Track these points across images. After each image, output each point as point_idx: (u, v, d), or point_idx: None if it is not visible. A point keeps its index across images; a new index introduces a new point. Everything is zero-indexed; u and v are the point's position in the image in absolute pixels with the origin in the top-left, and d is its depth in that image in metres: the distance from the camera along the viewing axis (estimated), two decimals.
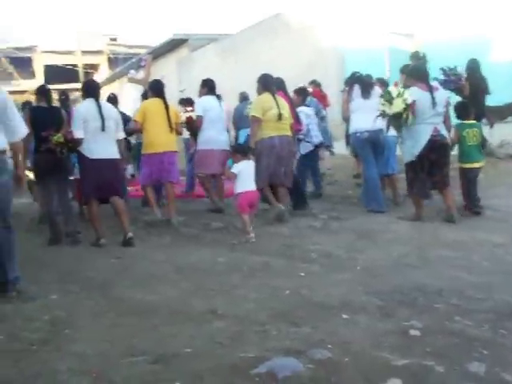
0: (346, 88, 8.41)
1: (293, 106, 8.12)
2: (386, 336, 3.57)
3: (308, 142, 8.95)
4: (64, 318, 4.07)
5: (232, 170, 6.90)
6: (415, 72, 7.37)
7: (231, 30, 22.06)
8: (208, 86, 8.55)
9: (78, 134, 6.41)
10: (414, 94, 6.82)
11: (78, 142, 6.44)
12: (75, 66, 35.76)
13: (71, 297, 4.59)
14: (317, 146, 9.21)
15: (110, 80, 31.89)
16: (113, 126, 6.60)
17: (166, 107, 7.54)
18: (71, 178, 7.46)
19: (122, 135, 6.87)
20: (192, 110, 8.86)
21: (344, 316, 3.98)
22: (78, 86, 33.43)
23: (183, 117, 8.61)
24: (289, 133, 7.60)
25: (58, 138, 6.55)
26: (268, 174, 7.42)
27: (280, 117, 7.36)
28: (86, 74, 36.13)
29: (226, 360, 3.23)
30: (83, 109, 6.58)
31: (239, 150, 7.08)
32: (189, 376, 3.04)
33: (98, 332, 3.78)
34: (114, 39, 41.13)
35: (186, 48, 23.10)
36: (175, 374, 3.07)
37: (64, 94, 8.94)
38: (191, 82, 20.64)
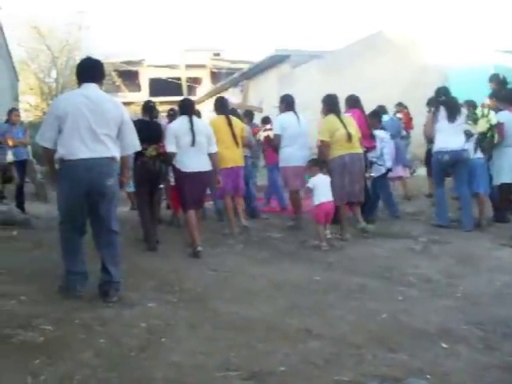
0: (432, 109, 8.47)
1: (368, 123, 8.44)
2: (489, 370, 3.42)
3: (380, 165, 8.94)
4: (161, 326, 4.14)
5: (308, 185, 7.28)
6: (509, 96, 7.61)
7: (333, 47, 22.00)
8: (286, 102, 8.56)
9: (170, 148, 6.78)
10: (503, 116, 6.73)
11: (170, 155, 6.81)
12: (179, 79, 36.77)
13: (168, 306, 4.66)
14: (389, 170, 9.20)
15: (212, 94, 32.51)
16: (204, 140, 6.88)
17: (230, 123, 7.79)
18: (164, 185, 8.16)
19: (214, 149, 7.07)
20: (270, 129, 9.01)
21: (443, 345, 3.85)
22: (181, 98, 34.56)
23: (261, 136, 9.08)
24: (359, 150, 7.77)
25: (152, 151, 7.09)
26: (345, 193, 7.60)
27: (349, 136, 7.55)
28: (189, 87, 37.12)
29: (320, 382, 3.21)
30: (176, 125, 6.99)
31: (316, 164, 7.44)
32: None
33: (194, 343, 3.81)
34: (218, 54, 41.93)
35: (288, 64, 23.20)
36: None
37: (172, 110, 9.26)
38: None
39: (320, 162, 7.59)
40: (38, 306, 4.59)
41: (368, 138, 8.35)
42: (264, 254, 6.76)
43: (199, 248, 6.64)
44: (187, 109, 7.07)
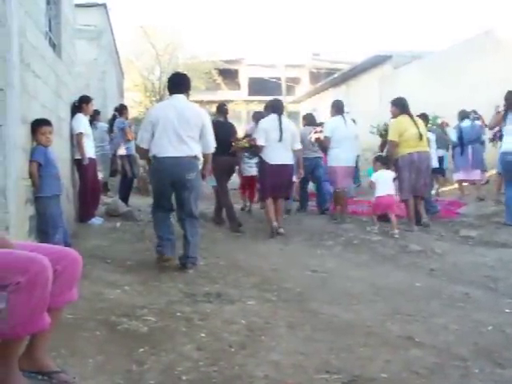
0: (502, 109, 9.10)
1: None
2: None
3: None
4: (261, 324, 4.14)
5: (371, 179, 8.39)
6: None
7: (436, 48, 21.40)
8: (336, 107, 9.24)
9: (259, 141, 7.83)
10: None
11: (259, 148, 7.83)
12: (278, 79, 36.94)
13: (268, 305, 4.66)
14: (433, 171, 9.68)
15: (311, 94, 32.47)
16: (289, 137, 7.80)
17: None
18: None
19: (298, 146, 8.03)
20: (321, 131, 9.51)
21: None
22: (281, 98, 34.69)
23: (313, 137, 9.64)
24: (426, 148, 8.47)
25: (243, 143, 8.43)
26: (410, 187, 8.22)
27: (420, 135, 8.23)
28: (288, 87, 37.21)
29: None
30: (266, 122, 7.94)
31: (379, 160, 8.43)
32: None
33: (293, 343, 3.79)
34: (317, 54, 41.77)
35: (389, 65, 22.81)
36: None
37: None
38: (392, 98, 20.34)
39: (383, 158, 8.44)
40: (141, 296, 4.72)
41: None
42: (363, 257, 6.66)
43: (281, 230, 7.52)
44: (277, 108, 8.02)
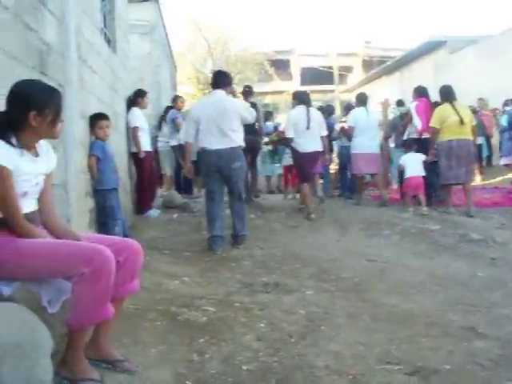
0: None
1: (433, 112, 8.77)
2: None
3: None
4: (320, 314, 4.12)
5: (399, 162, 9.00)
6: None
7: (492, 31, 20.80)
8: (360, 99, 9.97)
9: (288, 134, 8.29)
10: None
11: (289, 140, 8.30)
12: (330, 68, 36.61)
13: (326, 295, 4.64)
14: None
15: (364, 82, 32.07)
16: (316, 126, 8.21)
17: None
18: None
19: (324, 133, 8.47)
20: (345, 121, 10.33)
21: None
22: (333, 87, 34.41)
23: (338, 127, 10.40)
24: (468, 136, 8.48)
25: (273, 136, 9.57)
26: (452, 174, 8.41)
27: (461, 122, 8.35)
28: (340, 76, 36.84)
29: None
30: (295, 114, 8.32)
31: (405, 144, 9.11)
32: None
33: (353, 333, 3.76)
34: (369, 42, 41.15)
35: (444, 50, 22.28)
36: None
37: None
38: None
39: (409, 142, 9.02)
40: (199, 287, 4.77)
41: None
42: (422, 246, 6.54)
43: (312, 216, 7.96)
44: (304, 100, 8.41)
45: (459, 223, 7.56)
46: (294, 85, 37.19)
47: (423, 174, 8.64)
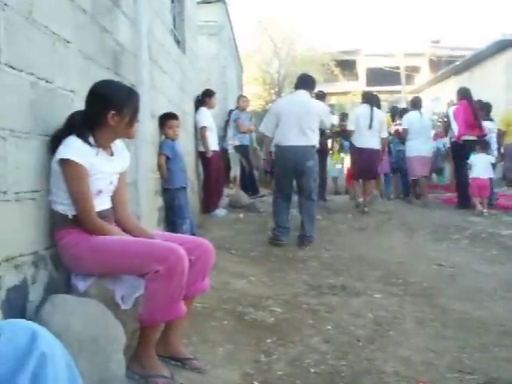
0: None
1: (475, 114, 8.99)
2: None
3: (488, 154, 9.26)
4: (388, 319, 4.06)
5: (468, 161, 8.80)
6: None
7: None
8: (413, 103, 10.20)
9: (350, 127, 8.96)
10: None
11: (349, 133, 8.95)
12: (397, 68, 36.06)
13: (394, 299, 4.56)
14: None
15: (432, 83, 31.48)
16: (377, 126, 8.60)
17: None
18: None
19: (385, 134, 8.88)
20: (400, 124, 10.41)
21: None
22: (400, 88, 33.88)
23: (392, 129, 10.52)
24: None
25: (336, 128, 10.27)
26: None
27: None
28: (407, 76, 36.26)
29: None
30: (358, 111, 8.97)
31: (478, 144, 8.85)
32: None
33: (422, 340, 3.68)
34: (437, 41, 40.33)
35: None
36: None
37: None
38: None
39: (484, 142, 8.93)
40: (266, 287, 4.77)
41: (475, 128, 8.97)
42: (492, 252, 6.34)
43: (366, 209, 8.40)
44: (370, 100, 8.91)
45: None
46: (360, 85, 36.86)
47: (491, 176, 8.79)
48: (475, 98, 9.71)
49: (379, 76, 37.00)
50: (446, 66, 29.78)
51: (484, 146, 8.86)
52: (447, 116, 9.59)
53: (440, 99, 22.86)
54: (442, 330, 3.86)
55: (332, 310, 4.18)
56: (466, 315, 4.19)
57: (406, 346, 3.56)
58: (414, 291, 4.79)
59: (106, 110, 2.64)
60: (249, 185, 10.68)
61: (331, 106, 30.13)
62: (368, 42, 39.70)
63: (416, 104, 10.08)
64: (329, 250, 6.22)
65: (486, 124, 9.57)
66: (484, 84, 22.83)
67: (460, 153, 9.03)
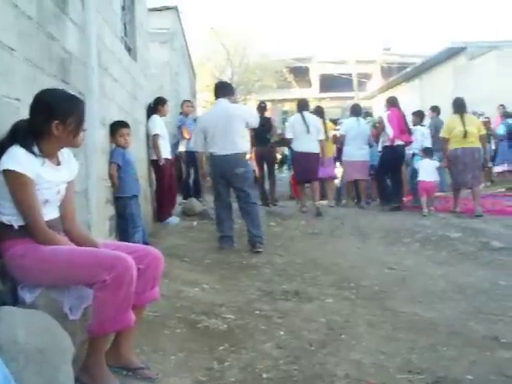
0: None
1: (404, 120, 9.83)
2: None
3: (432, 159, 9.82)
4: (340, 323, 4.10)
5: (414, 166, 9.86)
6: None
7: None
8: (352, 110, 10.99)
9: (288, 135, 9.54)
10: None
11: (289, 140, 9.56)
12: (349, 75, 36.52)
13: (347, 303, 4.61)
14: None
15: (383, 89, 31.97)
16: (314, 130, 9.25)
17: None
18: None
19: (321, 136, 9.43)
20: (338, 129, 11.23)
21: None
22: (352, 94, 34.30)
23: (331, 134, 10.78)
24: (472, 145, 9.07)
25: (275, 138, 10.61)
26: (459, 179, 9.18)
27: (465, 133, 8.99)
28: (359, 82, 36.75)
29: None
30: (292, 119, 9.77)
31: (423, 152, 9.64)
32: None
33: (374, 342, 3.73)
34: (388, 49, 41.00)
35: (464, 56, 22.14)
36: None
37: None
38: (468, 91, 19.72)
39: (428, 150, 9.66)
40: (219, 294, 4.76)
41: (406, 133, 9.71)
42: (443, 254, 6.49)
43: (319, 208, 9.03)
44: (302, 107, 9.56)
45: (480, 231, 7.48)
46: (314, 92, 37.17)
47: (436, 179, 9.49)
48: (425, 103, 10.29)
49: (332, 82, 37.39)
50: (397, 73, 30.32)
51: (428, 153, 9.52)
52: (381, 120, 10.04)
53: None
54: (392, 332, 3.92)
55: (285, 316, 4.20)
56: (416, 317, 4.27)
57: (358, 348, 3.61)
58: (366, 295, 4.85)
59: (49, 119, 2.60)
60: (195, 192, 10.66)
61: (285, 112, 30.35)
62: (321, 49, 39.85)
63: (354, 111, 10.90)
64: (282, 255, 6.25)
65: (420, 129, 10.71)
66: (433, 90, 23.32)
67: (391, 156, 9.66)
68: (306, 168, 9.26)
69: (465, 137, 9.01)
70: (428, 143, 10.43)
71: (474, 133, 9.13)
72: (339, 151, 10.98)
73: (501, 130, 13.64)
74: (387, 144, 9.71)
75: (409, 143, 9.88)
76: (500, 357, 3.50)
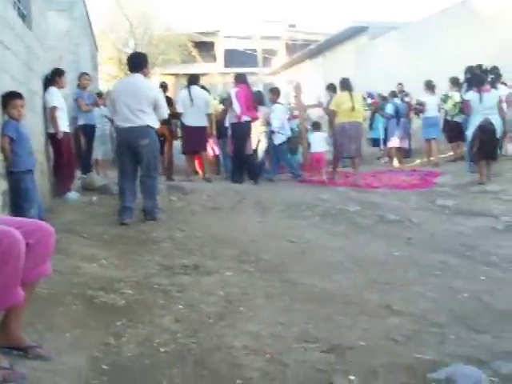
0: None
1: (252, 97, 10.24)
2: None
3: (282, 134, 10.90)
4: (239, 295, 4.13)
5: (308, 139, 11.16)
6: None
7: (413, 18, 21.34)
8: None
9: (179, 109, 10.19)
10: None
11: (179, 115, 10.20)
12: (254, 50, 36.64)
13: (245, 276, 4.65)
14: (289, 139, 11.18)
15: (288, 66, 32.32)
16: (201, 103, 10.00)
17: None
18: None
19: (208, 110, 10.20)
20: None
21: None
22: (257, 70, 34.42)
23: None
24: (358, 119, 10.34)
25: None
26: (344, 150, 10.32)
27: (353, 108, 10.07)
28: (265, 58, 36.96)
29: (401, 359, 3.10)
30: (181, 93, 10.50)
31: (313, 126, 11.29)
32: (363, 370, 2.94)
33: (272, 313, 3.79)
34: (293, 26, 41.40)
35: (366, 36, 22.71)
36: (349, 366, 2.99)
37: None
38: (369, 69, 20.28)
39: (317, 123, 11.31)
40: (118, 270, 4.68)
41: (252, 110, 10.08)
42: (341, 228, 6.68)
43: (208, 176, 10.22)
44: (189, 80, 10.34)
45: (377, 205, 7.75)
46: (218, 67, 37.09)
47: (326, 149, 10.94)
48: (328, 80, 10.98)
49: (237, 58, 37.41)
50: (302, 50, 30.70)
51: (317, 126, 11.07)
52: (229, 97, 10.20)
53: (295, 82, 23.45)
54: (290, 304, 4.00)
55: (184, 290, 4.18)
56: (314, 288, 4.37)
57: (256, 320, 3.65)
58: (266, 268, 4.91)
59: None
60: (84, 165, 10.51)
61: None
62: (226, 24, 39.67)
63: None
64: (183, 230, 6.20)
65: (278, 106, 10.99)
66: (336, 67, 23.79)
67: (239, 132, 10.00)
68: (190, 141, 10.14)
69: (352, 111, 10.02)
70: (287, 123, 11.25)
71: (360, 109, 10.50)
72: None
73: (389, 109, 14.53)
74: (234, 121, 10.01)
75: (255, 119, 10.23)
76: (391, 323, 3.66)
